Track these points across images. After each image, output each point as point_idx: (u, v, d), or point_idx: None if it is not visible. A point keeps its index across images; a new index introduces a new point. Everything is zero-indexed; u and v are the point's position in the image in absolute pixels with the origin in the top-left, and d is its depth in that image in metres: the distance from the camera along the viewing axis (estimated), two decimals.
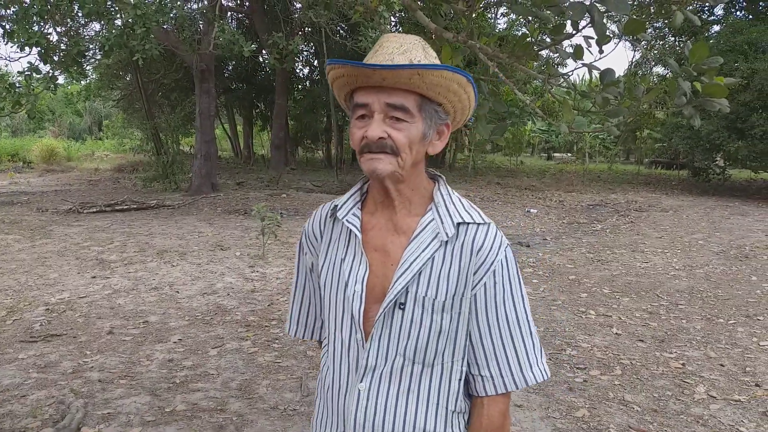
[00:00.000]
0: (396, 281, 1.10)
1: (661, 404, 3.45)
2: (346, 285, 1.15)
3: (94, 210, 10.62)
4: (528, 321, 1.15)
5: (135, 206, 11.09)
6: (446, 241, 1.11)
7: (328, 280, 1.19)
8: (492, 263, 1.11)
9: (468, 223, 1.13)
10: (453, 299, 1.10)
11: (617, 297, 5.68)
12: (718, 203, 13.19)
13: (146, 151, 17.54)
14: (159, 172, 14.69)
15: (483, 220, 1.14)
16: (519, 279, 1.16)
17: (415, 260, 1.10)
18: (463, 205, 1.16)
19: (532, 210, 11.78)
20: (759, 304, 5.43)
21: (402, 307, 1.10)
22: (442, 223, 1.11)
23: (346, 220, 1.17)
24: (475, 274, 1.11)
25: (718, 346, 4.38)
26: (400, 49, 1.06)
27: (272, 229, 7.20)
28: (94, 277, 6.04)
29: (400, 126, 1.05)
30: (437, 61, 1.09)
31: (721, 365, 4.03)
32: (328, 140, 22.68)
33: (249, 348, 4.20)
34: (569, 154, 29.87)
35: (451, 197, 1.16)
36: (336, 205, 1.21)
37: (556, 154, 30.78)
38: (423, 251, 1.10)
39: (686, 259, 7.43)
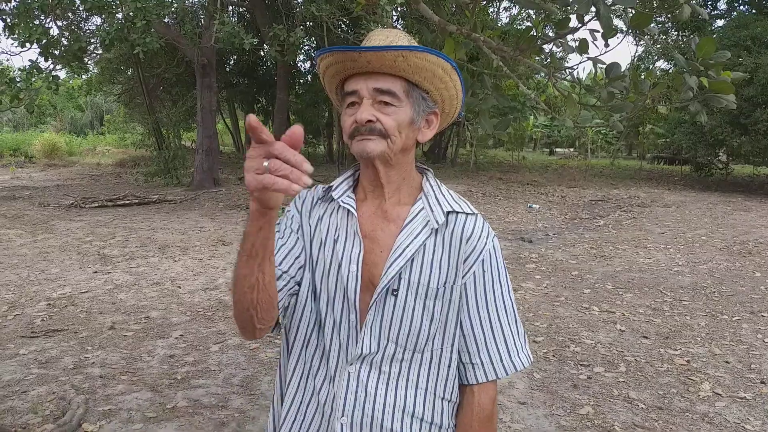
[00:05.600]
0: (389, 267, 1.11)
1: (666, 402, 3.42)
2: (340, 266, 1.15)
3: (96, 205, 10.61)
4: (513, 308, 1.18)
5: (137, 201, 11.08)
6: (436, 230, 1.13)
7: (320, 261, 1.18)
8: (481, 252, 1.14)
9: (457, 213, 1.15)
10: (445, 287, 1.12)
11: (620, 293, 5.66)
12: (721, 199, 13.14)
13: (148, 146, 17.48)
14: (161, 167, 14.66)
15: (471, 210, 1.17)
16: (504, 267, 1.19)
17: (407, 246, 1.12)
18: (451, 195, 1.19)
19: (534, 205, 11.75)
20: (763, 301, 5.40)
21: (395, 293, 1.11)
22: (432, 211, 1.14)
23: (342, 201, 1.18)
24: (465, 262, 1.13)
25: (723, 343, 4.35)
26: (386, 40, 1.10)
27: None
28: (95, 272, 6.03)
29: (388, 110, 1.08)
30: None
31: (726, 362, 4.00)
32: (329, 135, 22.65)
33: (250, 344, 4.19)
34: (571, 150, 29.81)
35: (440, 188, 1.19)
36: (331, 186, 1.22)
37: (558, 150, 30.73)
38: (415, 238, 1.12)
39: (689, 255, 7.39)
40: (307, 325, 1.21)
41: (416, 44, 1.12)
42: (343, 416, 1.13)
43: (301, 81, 22.41)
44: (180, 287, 5.57)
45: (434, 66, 1.08)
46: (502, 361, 1.15)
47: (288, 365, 1.24)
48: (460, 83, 1.13)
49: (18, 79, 4.51)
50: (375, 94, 1.08)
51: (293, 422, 1.21)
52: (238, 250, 0.99)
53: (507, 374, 1.15)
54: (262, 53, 19.20)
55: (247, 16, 18.51)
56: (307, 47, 18.71)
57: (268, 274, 1.02)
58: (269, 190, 0.78)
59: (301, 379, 1.22)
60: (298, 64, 20.91)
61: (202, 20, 12.47)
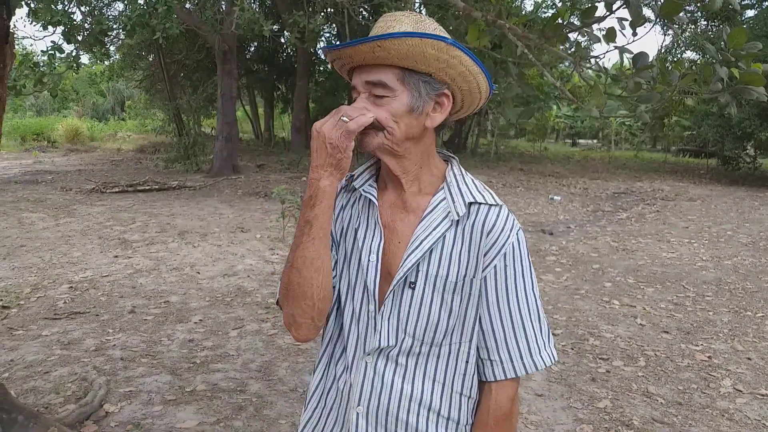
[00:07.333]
0: (407, 258, 1.09)
1: (686, 397, 3.37)
2: (360, 255, 1.14)
3: (117, 190, 10.74)
4: (537, 305, 1.13)
5: (157, 187, 11.19)
6: (457, 221, 1.10)
7: (342, 250, 1.19)
8: (503, 245, 1.09)
9: (480, 204, 1.11)
10: (464, 280, 1.09)
11: (642, 287, 5.57)
12: (748, 193, 12.86)
13: (168, 132, 17.66)
14: (180, 153, 14.78)
15: (495, 201, 1.12)
16: (529, 262, 1.14)
17: (426, 238, 1.09)
18: (475, 185, 1.14)
19: (555, 197, 11.61)
20: None
21: (412, 286, 1.09)
22: (454, 202, 1.10)
23: (363, 190, 1.16)
24: (485, 255, 1.09)
25: (746, 340, 4.27)
26: (386, 26, 1.05)
27: (292, 212, 7.20)
28: (116, 257, 6.11)
29: (381, 102, 1.05)
30: (439, 33, 1.04)
31: (749, 359, 3.93)
32: None
33: (269, 330, 4.21)
34: (594, 141, 29.38)
35: (463, 177, 1.15)
36: (352, 175, 1.20)
37: (581, 141, 30.32)
38: (434, 229, 1.09)
39: (714, 249, 7.25)
40: (332, 313, 1.22)
41: (428, 26, 1.06)
42: (359, 405, 1.14)
43: (321, 68, 22.35)
44: (199, 273, 5.62)
45: (422, 48, 1.00)
46: (522, 358, 1.11)
47: (319, 351, 1.26)
48: (468, 57, 1.04)
49: (42, 64, 4.55)
50: (368, 87, 1.05)
51: (315, 408, 1.24)
52: (300, 236, 1.05)
53: (527, 372, 1.12)
54: (282, 40, 19.18)
55: (268, 2, 18.48)
56: (327, 34, 18.63)
57: (330, 257, 1.09)
58: (356, 130, 1.00)
59: (325, 366, 1.24)
60: (318, 51, 20.84)
61: (223, 6, 12.47)
